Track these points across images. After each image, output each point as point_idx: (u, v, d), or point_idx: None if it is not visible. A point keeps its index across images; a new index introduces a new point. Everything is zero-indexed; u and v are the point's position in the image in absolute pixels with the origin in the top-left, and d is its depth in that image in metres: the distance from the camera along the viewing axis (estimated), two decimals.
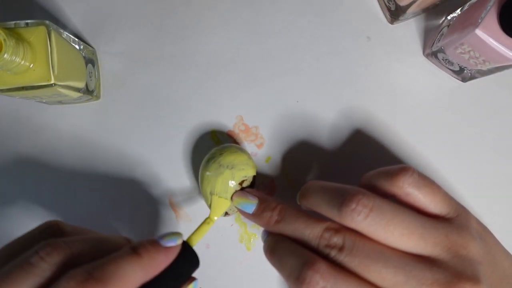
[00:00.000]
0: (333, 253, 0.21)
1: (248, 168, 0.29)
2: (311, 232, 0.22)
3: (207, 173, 0.28)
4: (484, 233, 0.23)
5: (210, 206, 0.28)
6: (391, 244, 0.21)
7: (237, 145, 0.31)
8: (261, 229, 0.32)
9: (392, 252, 0.21)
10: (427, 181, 0.22)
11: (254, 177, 0.29)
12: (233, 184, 0.28)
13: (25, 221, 0.32)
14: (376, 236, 0.21)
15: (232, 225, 0.32)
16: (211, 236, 0.32)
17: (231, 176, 0.28)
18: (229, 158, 0.28)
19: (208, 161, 0.29)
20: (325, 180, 0.32)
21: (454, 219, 0.22)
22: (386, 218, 0.21)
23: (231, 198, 0.28)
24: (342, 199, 0.22)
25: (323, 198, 0.24)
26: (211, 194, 0.28)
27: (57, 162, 0.33)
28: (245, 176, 0.29)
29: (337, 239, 0.21)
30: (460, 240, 0.21)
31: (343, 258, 0.21)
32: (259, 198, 0.26)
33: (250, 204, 0.26)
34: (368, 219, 0.21)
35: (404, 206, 0.22)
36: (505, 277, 0.23)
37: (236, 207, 0.27)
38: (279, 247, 0.23)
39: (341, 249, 0.21)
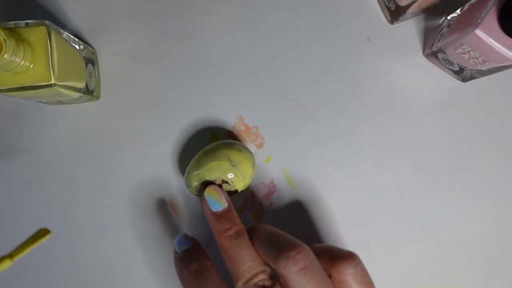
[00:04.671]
0: None
1: (240, 181, 0.28)
2: (250, 266, 0.24)
3: (206, 150, 0.29)
4: None
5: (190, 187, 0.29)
6: None
7: (252, 158, 0.30)
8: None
9: None
10: (367, 280, 0.23)
11: (236, 191, 0.29)
12: (217, 177, 0.28)
13: (25, 221, 0.32)
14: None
15: None
16: (211, 236, 0.32)
17: (225, 169, 0.28)
18: (237, 156, 0.28)
19: (217, 145, 0.29)
20: (324, 180, 0.32)
21: None
22: (315, 282, 0.21)
23: (206, 186, 0.28)
24: (285, 245, 0.23)
25: (268, 239, 0.24)
26: (196, 175, 0.28)
27: (57, 162, 0.33)
28: (231, 183, 0.28)
29: (268, 283, 0.23)
30: None
31: None
32: (229, 206, 0.27)
33: (219, 204, 0.26)
34: (300, 273, 0.21)
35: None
36: None
37: (203, 198, 0.27)
38: (204, 275, 0.25)
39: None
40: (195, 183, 0.29)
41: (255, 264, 0.24)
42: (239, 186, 0.29)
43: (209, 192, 0.27)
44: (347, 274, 0.22)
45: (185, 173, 0.30)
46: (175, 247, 0.27)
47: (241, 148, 0.29)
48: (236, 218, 0.26)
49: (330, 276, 0.23)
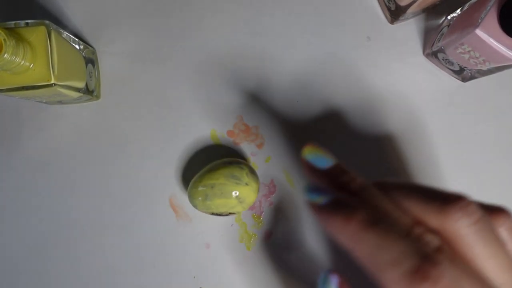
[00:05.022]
0: (427, 251, 0.16)
1: (244, 209, 0.30)
2: (397, 218, 0.17)
3: (212, 177, 0.29)
4: None
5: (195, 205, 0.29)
6: (479, 266, 0.17)
7: (258, 185, 0.30)
8: (262, 229, 0.32)
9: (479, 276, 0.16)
10: (492, 237, 0.17)
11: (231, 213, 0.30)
12: (224, 211, 0.29)
13: (25, 221, 0.32)
14: (471, 250, 0.17)
15: (232, 225, 0.32)
16: (211, 236, 0.32)
17: (232, 206, 0.29)
18: (244, 192, 0.29)
19: (225, 178, 0.29)
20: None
21: None
22: (490, 236, 0.17)
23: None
24: (447, 196, 0.18)
25: (418, 191, 0.19)
26: (202, 200, 0.29)
27: (57, 162, 0.33)
28: (236, 212, 0.30)
29: (431, 238, 0.16)
30: None
31: (441, 261, 0.16)
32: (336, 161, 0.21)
33: (325, 159, 0.21)
34: (475, 227, 0.17)
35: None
36: None
37: (304, 159, 0.21)
38: (383, 221, 0.17)
39: (438, 249, 0.16)
40: (201, 209, 0.30)
41: (399, 214, 0.17)
42: (242, 210, 0.30)
43: (308, 152, 0.21)
44: (463, 226, 0.17)
45: (189, 195, 0.30)
46: (310, 200, 0.20)
47: (249, 181, 0.29)
48: (349, 170, 0.20)
49: (438, 231, 0.17)
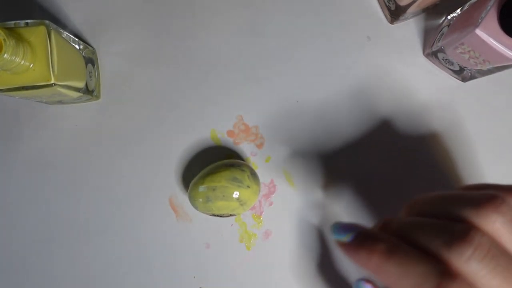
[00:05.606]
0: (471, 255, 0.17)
1: (244, 210, 0.30)
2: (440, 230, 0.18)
3: (214, 179, 0.29)
4: None
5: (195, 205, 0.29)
6: None
7: (259, 186, 0.30)
8: (262, 229, 0.32)
9: None
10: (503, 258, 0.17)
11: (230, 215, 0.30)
12: (225, 213, 0.29)
13: (26, 221, 0.32)
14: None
15: (232, 225, 0.32)
16: (211, 236, 0.32)
17: (233, 208, 0.29)
18: (245, 194, 0.29)
19: (226, 181, 0.29)
20: (324, 179, 0.32)
21: None
22: (500, 268, 0.17)
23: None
24: (477, 196, 0.18)
25: (443, 197, 0.19)
26: (203, 201, 0.29)
27: (57, 162, 0.33)
28: (237, 214, 0.30)
29: (481, 239, 0.17)
30: None
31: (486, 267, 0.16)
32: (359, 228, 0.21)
33: (343, 233, 0.21)
34: (488, 265, 0.16)
35: None
36: None
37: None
38: (400, 249, 0.18)
39: (487, 253, 0.16)
40: (202, 210, 0.30)
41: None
42: (243, 212, 0.30)
43: (332, 228, 0.22)
44: (495, 222, 0.17)
45: (190, 196, 0.30)
46: (338, 240, 0.21)
47: (250, 183, 0.29)
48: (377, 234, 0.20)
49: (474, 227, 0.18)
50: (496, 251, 0.17)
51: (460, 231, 0.17)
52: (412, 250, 0.18)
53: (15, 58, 0.23)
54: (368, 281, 0.22)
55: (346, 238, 0.21)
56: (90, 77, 0.31)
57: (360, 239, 0.20)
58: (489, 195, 0.18)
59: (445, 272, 0.16)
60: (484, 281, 0.16)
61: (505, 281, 0.16)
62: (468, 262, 0.16)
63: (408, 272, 0.17)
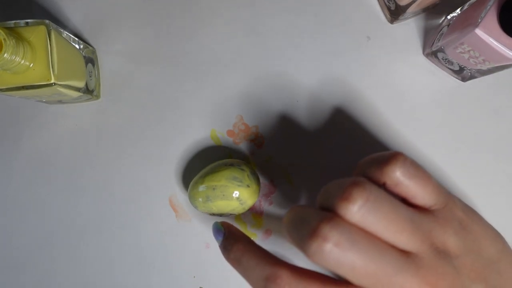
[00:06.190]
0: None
1: (244, 210, 0.30)
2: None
3: (223, 183, 0.29)
4: (470, 222, 0.22)
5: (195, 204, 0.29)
6: (385, 238, 0.20)
7: (259, 186, 0.30)
8: (262, 229, 0.32)
9: (387, 246, 0.19)
10: (419, 170, 0.21)
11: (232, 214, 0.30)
12: (225, 212, 0.29)
13: (26, 221, 0.32)
14: (373, 229, 0.19)
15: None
16: (211, 236, 0.32)
17: (233, 207, 0.29)
18: (245, 194, 0.29)
19: (226, 180, 0.29)
20: (325, 179, 0.32)
21: (439, 211, 0.21)
22: (383, 211, 0.19)
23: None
24: (334, 194, 0.20)
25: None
26: (203, 200, 0.29)
27: (57, 161, 0.33)
28: (236, 213, 0.30)
29: (334, 232, 0.19)
30: (441, 236, 0.20)
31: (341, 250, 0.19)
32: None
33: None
34: (365, 209, 0.19)
35: (395, 197, 0.21)
36: (490, 263, 0.22)
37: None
38: (243, 261, 0.21)
39: (337, 244, 0.19)
40: (201, 209, 0.29)
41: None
42: (243, 211, 0.30)
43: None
44: (399, 175, 0.20)
45: (190, 196, 0.30)
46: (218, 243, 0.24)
47: (250, 183, 0.29)
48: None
49: (384, 184, 0.21)
50: (374, 197, 0.20)
51: (347, 185, 0.20)
52: (250, 256, 0.21)
53: (15, 57, 0.23)
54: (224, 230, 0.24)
55: (217, 241, 0.24)
56: (90, 76, 0.31)
57: (222, 246, 0.23)
58: (390, 154, 0.21)
59: (326, 216, 0.19)
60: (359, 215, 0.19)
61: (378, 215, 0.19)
62: (348, 205, 0.19)
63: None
